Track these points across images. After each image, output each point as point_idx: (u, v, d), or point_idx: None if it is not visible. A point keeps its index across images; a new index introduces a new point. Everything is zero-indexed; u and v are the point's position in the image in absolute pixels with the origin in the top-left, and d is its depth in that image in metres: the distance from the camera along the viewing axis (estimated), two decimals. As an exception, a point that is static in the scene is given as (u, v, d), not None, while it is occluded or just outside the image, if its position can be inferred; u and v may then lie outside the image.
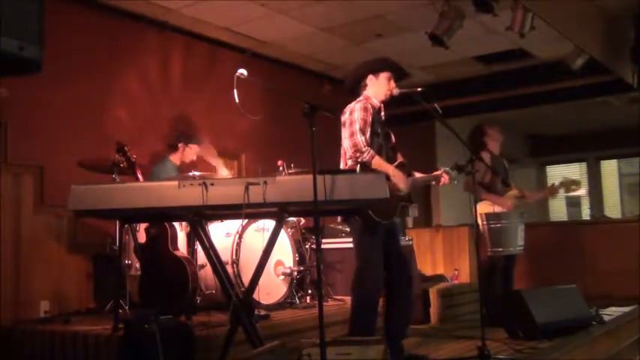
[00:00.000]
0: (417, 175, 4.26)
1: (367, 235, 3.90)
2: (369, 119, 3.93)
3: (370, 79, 4.10)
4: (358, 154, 3.84)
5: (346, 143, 3.93)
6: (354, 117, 3.92)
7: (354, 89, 4.18)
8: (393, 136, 4.20)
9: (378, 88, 4.09)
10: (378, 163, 3.86)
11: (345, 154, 3.97)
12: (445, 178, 4.19)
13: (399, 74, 4.18)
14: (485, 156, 5.45)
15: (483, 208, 5.23)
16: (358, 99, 4.06)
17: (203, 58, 6.94)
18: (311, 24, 6.70)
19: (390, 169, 3.89)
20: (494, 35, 6.89)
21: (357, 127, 3.88)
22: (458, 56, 7.64)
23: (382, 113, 4.15)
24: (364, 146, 3.84)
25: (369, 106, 3.98)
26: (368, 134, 3.90)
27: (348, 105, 4.03)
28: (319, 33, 6.94)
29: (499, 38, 6.91)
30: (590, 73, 7.24)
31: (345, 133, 3.96)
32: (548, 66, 7.85)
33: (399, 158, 4.16)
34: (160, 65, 6.52)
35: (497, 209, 5.32)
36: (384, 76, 4.08)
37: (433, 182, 4.33)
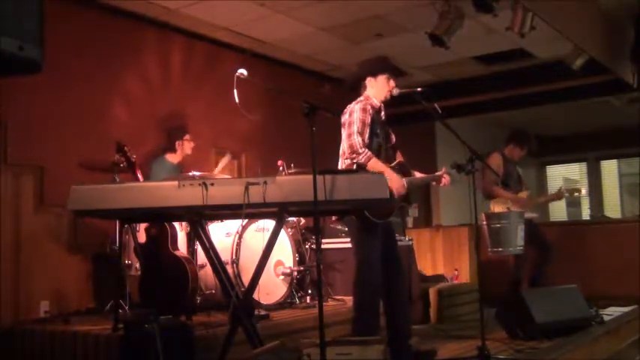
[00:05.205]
0: (418, 174, 4.23)
1: (366, 234, 3.89)
2: (368, 120, 3.92)
3: (369, 81, 4.10)
4: (354, 156, 3.83)
5: (344, 144, 3.93)
6: (352, 118, 3.91)
7: (354, 89, 4.18)
8: (393, 136, 4.19)
9: (377, 89, 4.08)
10: (374, 165, 3.83)
11: (344, 154, 3.97)
12: (446, 179, 4.16)
13: (396, 74, 4.18)
14: (497, 157, 5.65)
15: (498, 206, 5.35)
16: (358, 99, 4.06)
17: (203, 58, 6.93)
18: (311, 24, 6.69)
19: (387, 172, 3.76)
20: (494, 35, 6.88)
21: (354, 128, 3.87)
22: (458, 56, 7.63)
23: (382, 113, 4.14)
24: (360, 147, 3.82)
25: (369, 106, 3.97)
26: (366, 135, 3.89)
27: (349, 105, 4.03)
28: (319, 33, 6.94)
29: (499, 38, 6.90)
30: (590, 73, 7.23)
31: (343, 134, 3.96)
32: (548, 66, 7.84)
33: (399, 158, 4.14)
34: (160, 65, 6.51)
35: (514, 208, 5.41)
36: (382, 77, 4.08)
37: (434, 183, 4.31)
